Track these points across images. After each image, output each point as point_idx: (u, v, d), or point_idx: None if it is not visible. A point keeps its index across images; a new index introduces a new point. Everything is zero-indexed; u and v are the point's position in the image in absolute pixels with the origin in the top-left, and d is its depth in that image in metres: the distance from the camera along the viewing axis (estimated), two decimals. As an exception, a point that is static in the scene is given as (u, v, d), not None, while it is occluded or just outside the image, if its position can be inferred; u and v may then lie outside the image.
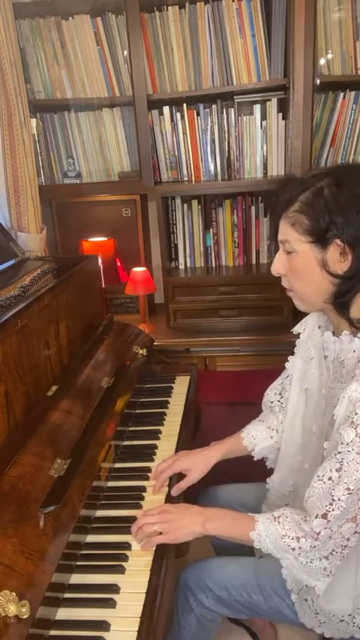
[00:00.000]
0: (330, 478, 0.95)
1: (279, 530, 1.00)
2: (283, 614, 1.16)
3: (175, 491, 1.21)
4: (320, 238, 0.98)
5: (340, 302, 1.02)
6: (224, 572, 1.18)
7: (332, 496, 0.95)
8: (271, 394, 1.35)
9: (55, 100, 2.21)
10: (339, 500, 0.94)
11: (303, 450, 1.21)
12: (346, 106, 2.12)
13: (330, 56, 2.08)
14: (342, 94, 2.11)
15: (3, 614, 0.76)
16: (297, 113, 2.04)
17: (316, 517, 0.96)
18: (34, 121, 2.17)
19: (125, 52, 2.12)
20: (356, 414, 0.93)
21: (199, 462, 1.26)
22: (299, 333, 1.23)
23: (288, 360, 1.27)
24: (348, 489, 0.93)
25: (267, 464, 1.35)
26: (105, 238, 2.31)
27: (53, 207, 2.36)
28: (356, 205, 0.95)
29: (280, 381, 1.33)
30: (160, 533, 1.06)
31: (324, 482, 0.96)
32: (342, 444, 0.94)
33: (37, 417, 1.16)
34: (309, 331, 1.21)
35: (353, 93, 2.10)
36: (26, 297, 1.27)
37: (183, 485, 1.23)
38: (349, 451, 0.93)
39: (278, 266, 1.06)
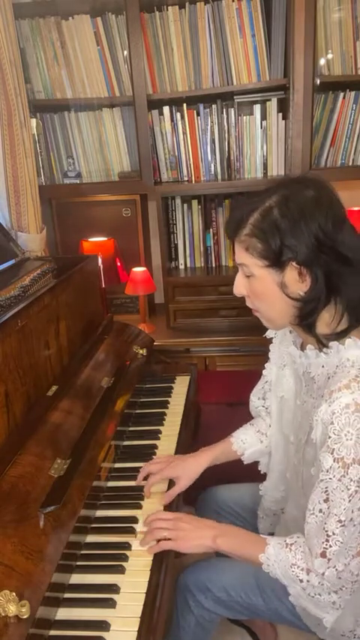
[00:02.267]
0: (320, 510, 0.93)
1: (289, 558, 0.98)
2: (283, 615, 1.16)
3: (166, 500, 1.19)
4: (276, 261, 0.94)
5: (304, 323, 0.99)
6: (224, 573, 1.18)
7: (326, 531, 0.92)
8: (255, 399, 1.33)
9: (55, 100, 2.21)
10: (334, 534, 0.91)
11: (284, 458, 1.20)
12: (346, 106, 2.12)
13: (330, 56, 2.08)
14: (342, 94, 2.11)
15: (3, 614, 0.76)
16: (297, 113, 2.04)
17: (316, 557, 0.94)
18: (34, 121, 2.17)
19: (125, 52, 2.12)
20: (329, 437, 0.90)
21: (189, 469, 1.24)
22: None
23: (265, 367, 1.25)
24: (340, 521, 0.90)
25: (259, 467, 1.34)
26: (105, 238, 2.31)
27: (53, 207, 2.36)
28: (306, 222, 0.91)
29: (261, 386, 1.30)
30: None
31: (316, 516, 0.94)
32: (322, 470, 0.91)
33: (37, 417, 1.16)
34: (280, 337, 1.19)
35: (353, 93, 2.10)
36: (26, 297, 1.27)
37: (173, 492, 1.21)
38: (330, 479, 0.91)
39: (240, 289, 1.03)
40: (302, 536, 1.00)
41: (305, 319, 0.98)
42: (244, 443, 1.30)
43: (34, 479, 1.00)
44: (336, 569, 0.93)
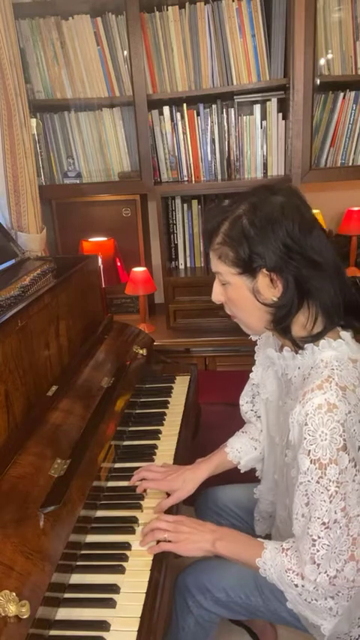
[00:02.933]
0: (303, 515, 0.93)
1: (285, 562, 0.98)
2: (282, 616, 1.16)
3: (158, 510, 1.17)
4: (247, 269, 0.96)
5: (279, 328, 1.00)
6: (223, 573, 1.18)
7: (311, 536, 0.92)
8: (244, 404, 1.33)
9: (55, 100, 2.21)
10: (319, 538, 0.91)
11: (272, 460, 1.21)
12: (346, 106, 2.12)
13: (330, 56, 2.08)
14: (342, 94, 2.11)
15: (3, 614, 0.76)
16: (297, 113, 2.04)
17: (305, 564, 0.94)
18: (34, 121, 2.17)
19: (125, 52, 2.12)
20: (305, 438, 0.90)
21: (186, 483, 1.22)
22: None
23: (252, 370, 1.26)
24: (323, 524, 0.91)
25: (257, 474, 1.34)
26: (105, 238, 2.31)
27: (53, 207, 2.35)
28: (273, 229, 0.93)
29: (249, 389, 1.31)
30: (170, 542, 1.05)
31: (299, 521, 0.94)
32: (301, 472, 0.92)
33: (37, 417, 1.16)
34: (264, 339, 1.20)
35: (353, 93, 2.10)
36: (26, 297, 1.27)
37: (166, 504, 1.18)
38: (309, 481, 0.91)
39: (217, 296, 1.06)
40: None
41: (279, 324, 0.99)
42: (239, 452, 1.30)
43: (34, 479, 1.00)
44: (327, 575, 0.92)
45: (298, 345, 1.00)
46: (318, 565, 0.92)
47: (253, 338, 1.23)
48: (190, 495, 1.23)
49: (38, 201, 2.00)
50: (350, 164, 2.19)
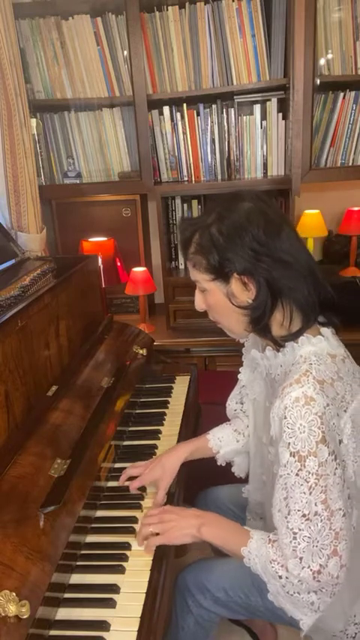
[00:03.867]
0: (280, 510, 0.94)
1: (270, 553, 0.98)
2: (281, 616, 1.16)
3: (154, 506, 1.18)
4: (220, 274, 1.01)
5: (258, 328, 1.03)
6: (222, 573, 1.18)
7: (291, 529, 0.93)
8: (232, 404, 1.35)
9: (55, 100, 2.21)
10: (300, 530, 0.92)
11: (260, 460, 1.21)
12: (346, 106, 2.12)
13: (330, 56, 2.08)
14: (342, 94, 2.11)
15: (3, 614, 0.76)
16: (297, 113, 2.04)
17: (288, 558, 0.94)
18: (34, 121, 2.17)
19: (125, 52, 2.12)
20: (284, 431, 0.92)
21: (166, 466, 1.23)
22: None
23: (240, 371, 1.27)
24: (304, 515, 0.91)
25: (233, 469, 1.34)
26: (105, 238, 2.31)
27: (53, 207, 2.36)
28: (239, 236, 0.97)
29: (238, 390, 1.33)
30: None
31: (280, 514, 0.95)
32: (280, 465, 0.93)
33: (37, 417, 1.16)
34: (251, 341, 1.21)
35: (353, 93, 2.10)
36: (26, 297, 1.27)
37: (159, 498, 1.19)
38: (288, 474, 0.92)
39: (199, 303, 1.10)
40: None
41: (257, 324, 1.03)
42: (221, 441, 1.31)
43: (34, 479, 1.00)
44: (310, 570, 0.92)
45: (278, 344, 1.03)
46: (300, 559, 0.93)
47: (241, 340, 1.25)
48: (190, 495, 1.23)
49: (38, 201, 2.00)
50: (350, 164, 2.19)
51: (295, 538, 0.93)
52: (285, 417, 0.92)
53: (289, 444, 0.92)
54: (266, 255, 0.97)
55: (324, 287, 1.03)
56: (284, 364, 1.02)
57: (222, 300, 1.04)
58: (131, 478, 1.25)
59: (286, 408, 0.92)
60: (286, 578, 0.96)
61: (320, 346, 1.00)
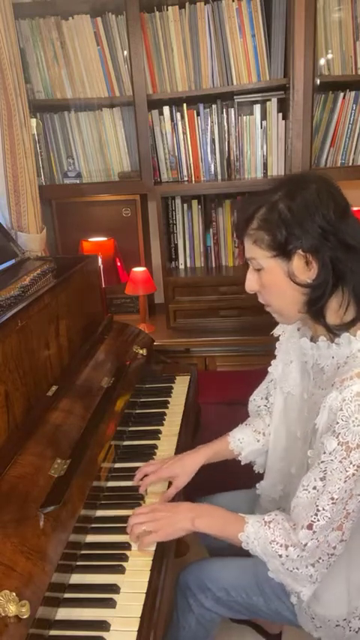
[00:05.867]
0: (315, 487, 0.95)
1: (268, 535, 1.00)
2: (283, 615, 1.16)
3: (164, 500, 1.19)
4: (282, 251, 0.99)
5: (313, 310, 1.02)
6: (223, 572, 1.18)
7: (317, 506, 0.95)
8: (257, 399, 1.34)
9: (55, 100, 2.21)
10: (324, 510, 0.94)
11: (289, 454, 1.21)
12: (346, 106, 2.12)
13: (330, 56, 2.08)
14: (342, 94, 2.11)
15: (3, 614, 0.76)
16: (297, 113, 2.04)
17: (302, 528, 0.96)
18: (34, 121, 2.17)
19: (125, 52, 2.12)
20: (337, 422, 0.93)
21: (186, 466, 1.24)
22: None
23: (271, 364, 1.26)
24: (332, 499, 0.94)
25: (254, 468, 1.34)
26: (105, 238, 2.31)
27: (53, 207, 2.35)
28: (310, 213, 0.96)
29: (265, 385, 1.32)
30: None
31: (309, 492, 0.96)
32: (324, 453, 0.94)
33: (37, 417, 1.16)
34: (288, 334, 1.21)
35: (353, 93, 2.10)
36: (26, 297, 1.27)
37: (171, 493, 1.21)
38: (331, 460, 0.93)
39: (251, 284, 1.07)
40: (280, 513, 1.04)
41: (314, 305, 1.01)
42: (241, 442, 1.31)
43: (34, 479, 1.00)
44: (317, 540, 0.96)
45: (333, 333, 1.02)
46: (314, 532, 0.96)
47: (276, 333, 1.24)
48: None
49: (38, 201, 2.00)
50: (350, 164, 2.19)
51: (316, 514, 0.95)
52: (341, 409, 0.92)
53: (340, 434, 0.92)
54: (333, 235, 0.96)
55: None
56: (337, 356, 1.01)
57: (280, 279, 1.01)
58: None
59: (344, 400, 0.92)
60: (286, 556, 0.98)
61: None
